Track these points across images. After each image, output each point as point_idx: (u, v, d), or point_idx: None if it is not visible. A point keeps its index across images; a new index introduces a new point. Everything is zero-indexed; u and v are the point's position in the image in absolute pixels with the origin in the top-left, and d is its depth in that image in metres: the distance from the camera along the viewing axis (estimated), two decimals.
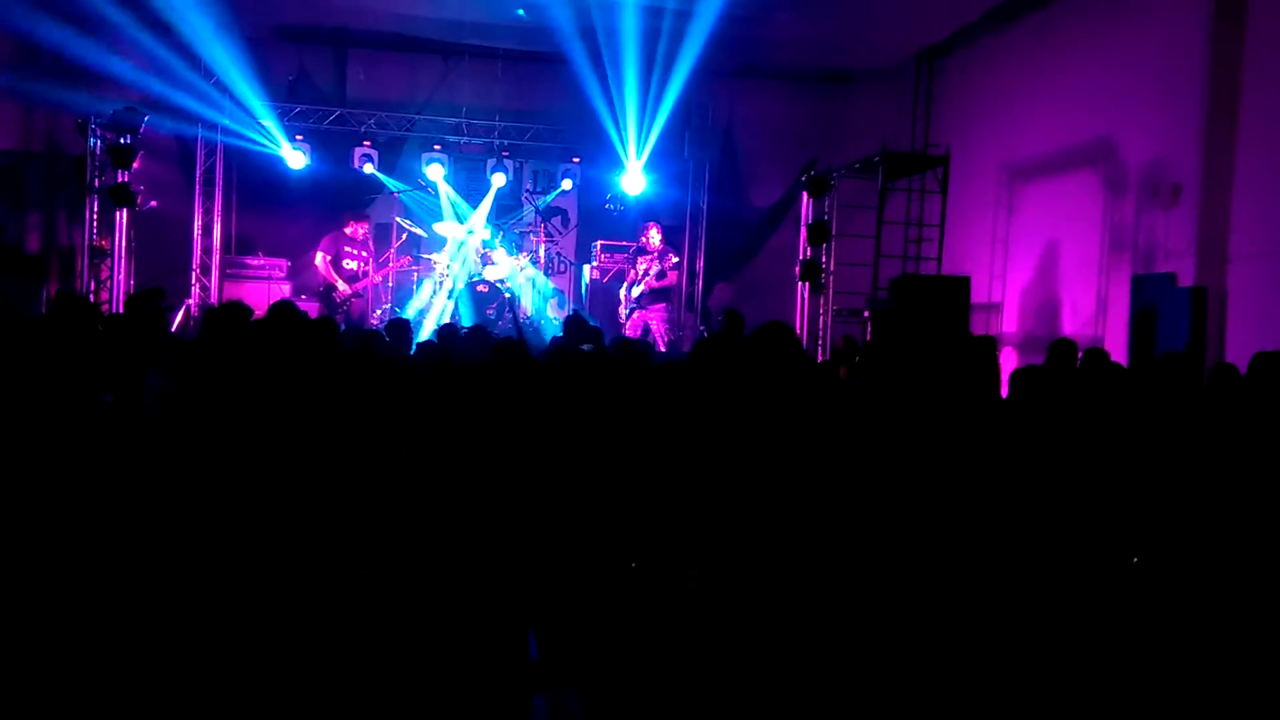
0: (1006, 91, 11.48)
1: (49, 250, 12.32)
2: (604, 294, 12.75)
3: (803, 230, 11.96)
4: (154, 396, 4.40)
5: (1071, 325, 10.09)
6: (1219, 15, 8.37)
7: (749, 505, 3.11)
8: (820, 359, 11.02)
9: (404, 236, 12.36)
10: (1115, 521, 3.49)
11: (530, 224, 13.28)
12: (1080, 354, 6.93)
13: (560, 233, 13.68)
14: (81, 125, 11.04)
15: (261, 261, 12.42)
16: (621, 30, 11.42)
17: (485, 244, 12.53)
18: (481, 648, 3.16)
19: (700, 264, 13.83)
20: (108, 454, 3.32)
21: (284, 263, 12.44)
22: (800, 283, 11.92)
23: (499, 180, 12.73)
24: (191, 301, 12.32)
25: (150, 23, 11.01)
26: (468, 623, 3.23)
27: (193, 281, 12.50)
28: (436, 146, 12.85)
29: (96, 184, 11.15)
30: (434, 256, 12.36)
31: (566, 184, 13.26)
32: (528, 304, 12.64)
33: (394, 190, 12.85)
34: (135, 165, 11.17)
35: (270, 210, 12.94)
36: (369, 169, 12.62)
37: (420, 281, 12.39)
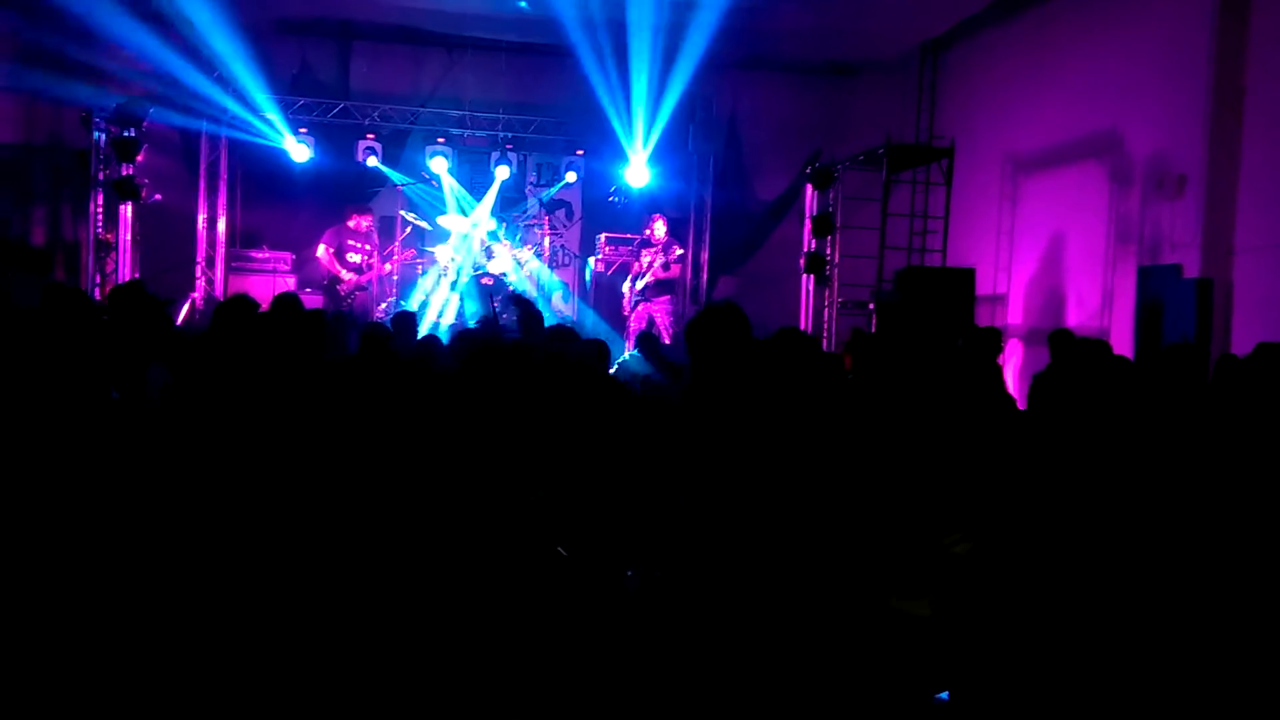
0: (1011, 83, 11.45)
1: (54, 244, 12.33)
2: (608, 287, 12.75)
3: (807, 223, 11.95)
4: (157, 390, 4.40)
5: (1077, 317, 10.08)
6: (1224, 6, 8.34)
7: (749, 503, 3.11)
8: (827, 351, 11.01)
9: (408, 230, 12.37)
10: (1126, 514, 3.48)
11: (534, 217, 13.28)
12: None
13: (564, 225, 13.68)
14: (86, 118, 11.04)
15: (266, 255, 12.44)
16: (625, 22, 11.40)
17: (489, 236, 12.54)
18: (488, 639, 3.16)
19: (704, 256, 13.82)
20: (114, 449, 3.32)
21: (289, 256, 12.46)
22: (805, 275, 11.91)
23: (503, 173, 12.73)
24: (196, 295, 12.34)
25: (154, 16, 11.00)
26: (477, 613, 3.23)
27: (198, 275, 12.51)
28: (440, 139, 12.84)
29: (101, 177, 11.15)
30: (438, 249, 12.36)
31: (570, 177, 13.25)
32: (531, 299, 12.63)
33: (398, 183, 12.85)
34: (139, 158, 11.18)
35: (275, 203, 12.95)
36: (373, 162, 12.61)
37: (434, 278, 12.39)
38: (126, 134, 11.06)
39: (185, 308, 11.73)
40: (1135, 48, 9.40)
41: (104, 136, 11.14)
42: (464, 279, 12.07)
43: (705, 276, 13.82)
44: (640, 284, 11.71)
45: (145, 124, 11.22)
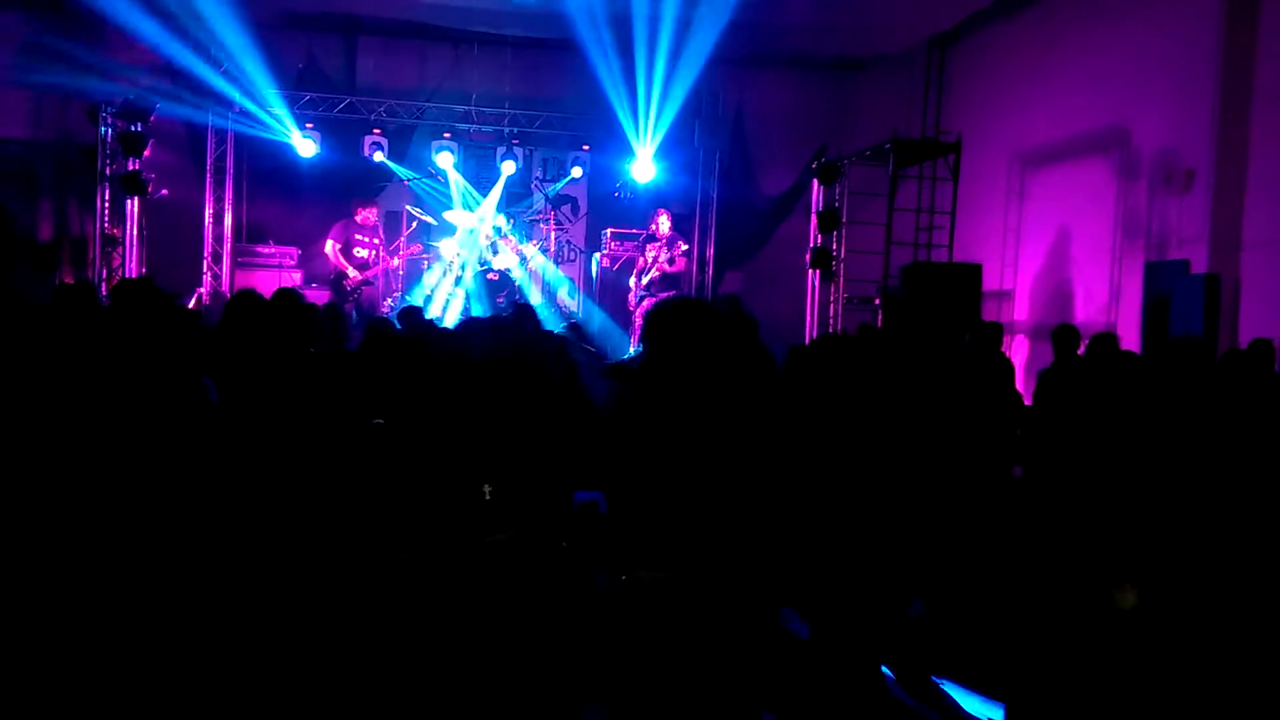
0: (1018, 78, 11.41)
1: (60, 239, 12.36)
2: (614, 282, 12.74)
3: (813, 218, 11.94)
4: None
5: (1084, 312, 10.05)
6: (1232, 3, 8.31)
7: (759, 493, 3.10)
8: None
9: (414, 224, 12.37)
10: (1135, 507, 3.47)
11: (540, 212, 13.27)
12: (1085, 340, 6.93)
13: (570, 221, 13.68)
14: (93, 112, 11.06)
15: (272, 250, 12.46)
16: (632, 17, 11.38)
17: (495, 231, 12.54)
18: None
19: (710, 252, 13.80)
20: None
21: (295, 251, 12.47)
22: (811, 270, 11.89)
23: (509, 168, 12.72)
24: (203, 290, 12.36)
25: (160, 10, 11.01)
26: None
27: (204, 270, 12.53)
28: (446, 134, 12.84)
29: (108, 172, 11.18)
30: (443, 244, 12.37)
31: (576, 172, 13.25)
32: (537, 294, 12.65)
33: (404, 178, 12.86)
34: (146, 153, 11.19)
35: (281, 198, 12.96)
36: (379, 157, 12.62)
37: (429, 268, 12.40)
38: (133, 129, 11.08)
39: (192, 303, 11.75)
40: (1143, 42, 9.37)
41: (111, 131, 11.16)
42: (469, 274, 12.08)
43: (711, 272, 13.81)
44: (645, 279, 11.70)
45: (152, 119, 11.23)
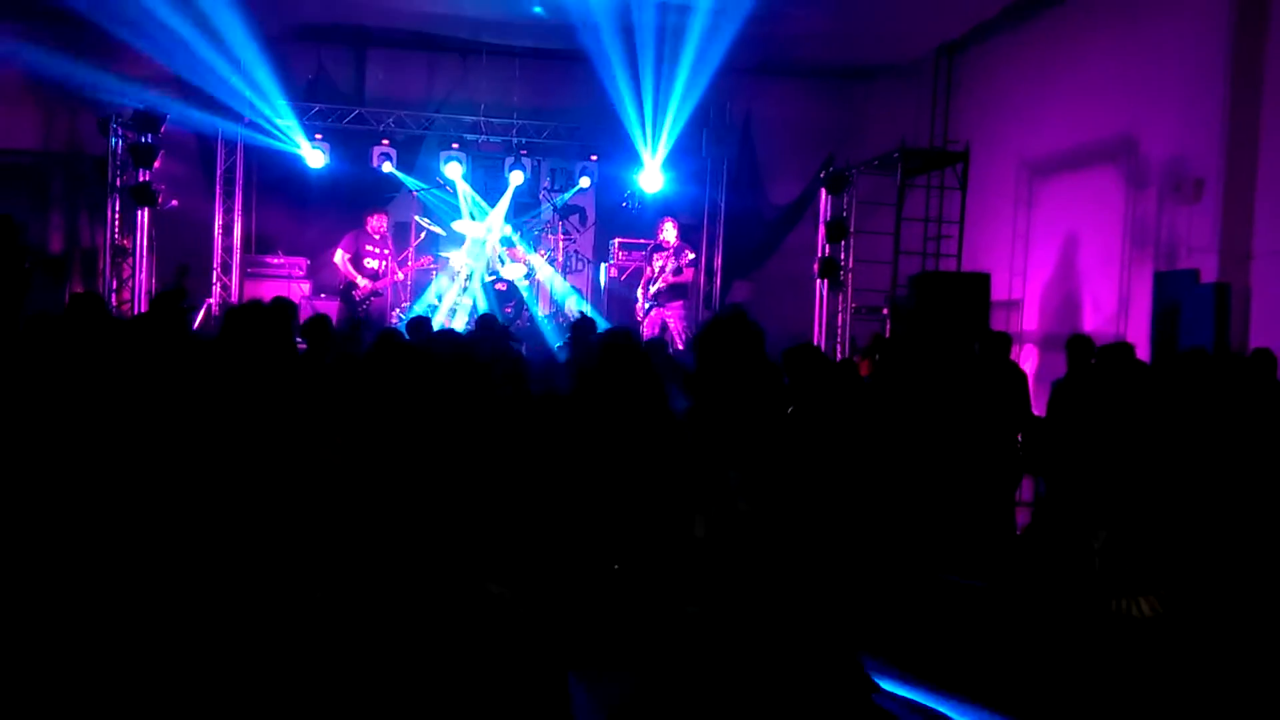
0: (1026, 87, 11.41)
1: (71, 249, 12.43)
2: (621, 291, 12.75)
3: (821, 227, 11.93)
4: None
5: (1093, 322, 10.03)
6: (1241, 8, 8.30)
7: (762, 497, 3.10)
8: (840, 356, 11.00)
9: (423, 235, 12.40)
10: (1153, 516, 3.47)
11: (548, 222, 13.29)
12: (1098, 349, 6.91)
13: (578, 231, 13.69)
14: (103, 124, 11.11)
15: (281, 260, 12.50)
16: (639, 27, 11.41)
17: (503, 241, 12.56)
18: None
19: (718, 261, 13.81)
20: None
21: (303, 261, 12.52)
22: (819, 280, 11.89)
23: (517, 178, 12.74)
24: (212, 300, 12.40)
25: (171, 22, 11.07)
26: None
27: (213, 281, 12.58)
28: (455, 145, 12.87)
29: (118, 183, 11.22)
30: (452, 254, 12.39)
31: (584, 182, 13.26)
32: (544, 304, 12.68)
33: (413, 189, 12.89)
34: (156, 164, 11.24)
35: (290, 209, 13.01)
36: (388, 168, 12.66)
37: (441, 281, 12.41)
38: (144, 140, 11.12)
39: (201, 313, 11.79)
40: (1152, 51, 9.36)
41: (121, 143, 11.21)
42: (477, 284, 12.10)
43: (719, 281, 13.81)
44: (653, 289, 11.70)
45: (162, 130, 11.28)
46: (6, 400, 3.30)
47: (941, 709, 2.82)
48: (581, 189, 13.34)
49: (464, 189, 12.75)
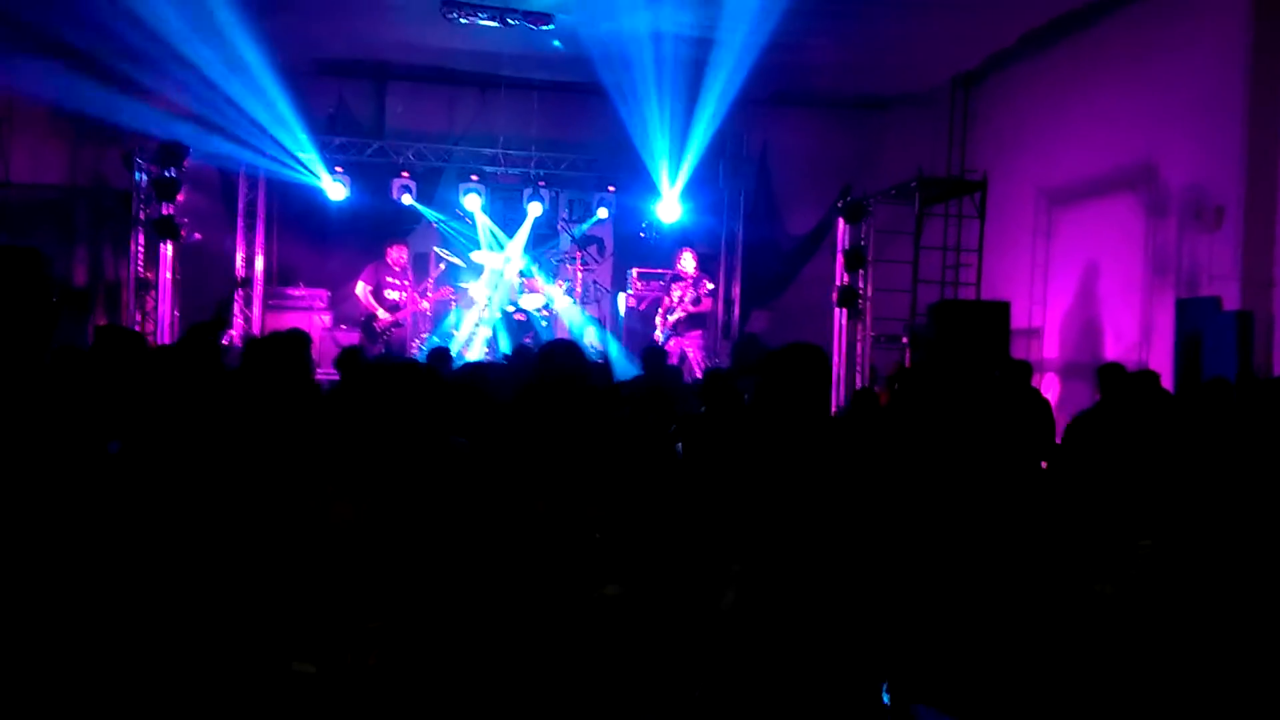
0: (1043, 116, 11.42)
1: (95, 283, 12.55)
2: (640, 322, 12.78)
3: (839, 256, 11.92)
4: None
5: (1114, 350, 9.97)
6: (1259, 35, 8.29)
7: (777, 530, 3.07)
8: (860, 385, 10.96)
9: (442, 266, 12.48)
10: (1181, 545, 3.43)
11: (566, 253, 13.36)
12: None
13: (596, 261, 13.74)
14: (127, 158, 11.25)
15: (302, 292, 12.59)
16: (656, 60, 11.49)
17: (522, 272, 12.63)
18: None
19: (736, 291, 13.83)
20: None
21: (324, 293, 12.60)
22: (837, 309, 11.87)
23: (535, 210, 12.82)
24: (234, 332, 12.49)
25: (195, 58, 11.23)
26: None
27: (235, 313, 12.67)
28: (474, 177, 12.98)
29: (142, 217, 11.34)
30: (471, 286, 12.46)
31: (602, 213, 13.34)
32: (561, 334, 12.70)
33: (432, 220, 12.99)
34: (180, 198, 11.36)
35: (311, 241, 13.12)
36: (407, 200, 12.77)
37: (459, 312, 12.47)
38: (167, 174, 11.24)
39: (223, 345, 11.86)
40: (1169, 79, 9.36)
41: (145, 177, 11.33)
42: (495, 313, 12.16)
43: (737, 311, 13.82)
44: (672, 318, 11.71)
45: (186, 164, 11.41)
46: (35, 434, 3.32)
47: None
48: (599, 220, 13.41)
49: (483, 220, 12.84)
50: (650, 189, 12.94)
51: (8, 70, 10.78)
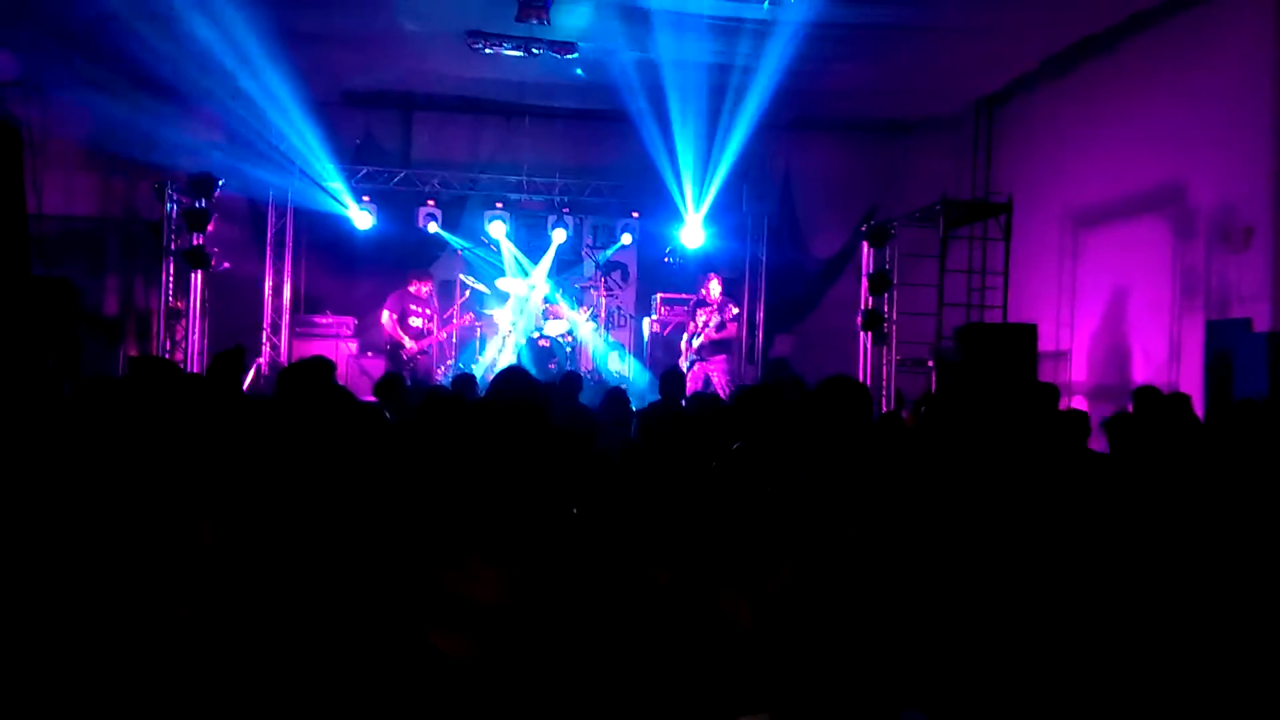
0: (1068, 138, 11.38)
1: (126, 313, 12.71)
2: (664, 347, 12.78)
3: (864, 280, 11.90)
4: None
5: (1144, 372, 9.88)
6: None
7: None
8: (886, 409, 10.90)
9: (467, 293, 12.56)
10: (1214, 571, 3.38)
11: (590, 279, 13.41)
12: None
13: (620, 287, 13.79)
14: (159, 189, 11.42)
15: (329, 320, 12.70)
16: (679, 86, 11.56)
17: (547, 299, 12.69)
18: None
19: (760, 315, 13.82)
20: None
21: (351, 320, 12.70)
22: (862, 333, 11.83)
23: (559, 236, 12.90)
24: (262, 360, 12.60)
25: (224, 90, 11.41)
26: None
27: (263, 341, 12.79)
28: (498, 204, 13.09)
29: (172, 247, 11.49)
30: (496, 312, 12.53)
31: (626, 239, 13.40)
32: (585, 361, 12.73)
33: (457, 248, 13.10)
34: (209, 228, 11.51)
35: (338, 269, 13.25)
36: (433, 228, 12.88)
37: (484, 339, 12.54)
38: (197, 204, 11.40)
39: (251, 373, 11.97)
40: (1196, 99, 9.30)
41: (176, 208, 11.49)
42: (519, 339, 12.21)
43: (761, 335, 13.80)
44: (696, 343, 11.72)
45: (215, 194, 11.56)
46: (62, 465, 3.35)
47: None
48: (623, 245, 13.47)
49: (508, 247, 12.93)
50: (674, 214, 12.98)
51: (41, 103, 10.98)
